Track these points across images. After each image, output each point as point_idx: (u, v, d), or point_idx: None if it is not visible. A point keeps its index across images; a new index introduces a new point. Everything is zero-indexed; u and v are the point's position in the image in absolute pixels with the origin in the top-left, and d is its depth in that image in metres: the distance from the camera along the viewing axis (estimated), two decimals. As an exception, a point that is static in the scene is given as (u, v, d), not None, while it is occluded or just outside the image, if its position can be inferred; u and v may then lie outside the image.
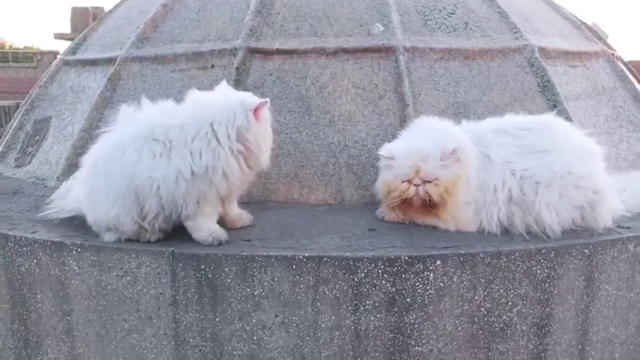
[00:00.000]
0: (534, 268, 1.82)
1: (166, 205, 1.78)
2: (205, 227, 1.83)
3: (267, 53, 2.57)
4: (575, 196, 1.91)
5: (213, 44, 2.69)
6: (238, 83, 2.50)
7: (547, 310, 1.86)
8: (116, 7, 3.59)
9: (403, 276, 1.75)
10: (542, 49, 2.73)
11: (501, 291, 1.81)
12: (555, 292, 1.86)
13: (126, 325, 1.88)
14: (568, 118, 2.42)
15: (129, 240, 1.86)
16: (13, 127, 3.28)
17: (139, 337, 1.88)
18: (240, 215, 1.99)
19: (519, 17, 2.92)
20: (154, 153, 1.76)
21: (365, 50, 2.54)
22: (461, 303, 1.79)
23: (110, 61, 2.94)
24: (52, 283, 1.93)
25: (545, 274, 1.83)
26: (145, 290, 1.83)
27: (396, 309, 1.77)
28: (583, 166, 1.93)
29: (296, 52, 2.55)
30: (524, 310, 1.83)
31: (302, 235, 1.91)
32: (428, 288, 1.76)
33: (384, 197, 2.02)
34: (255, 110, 1.75)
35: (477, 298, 1.80)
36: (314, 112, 2.42)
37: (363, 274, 1.74)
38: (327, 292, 1.76)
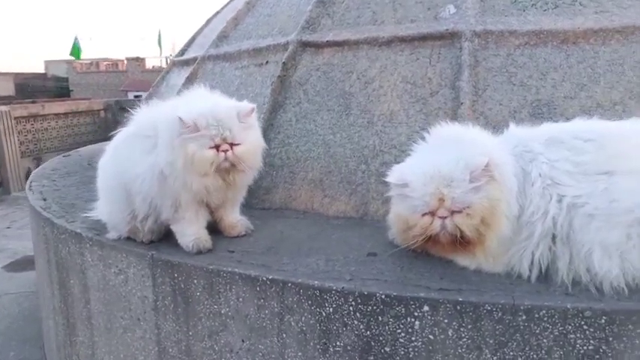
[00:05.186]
0: (571, 336, 1.27)
1: (151, 205, 1.72)
2: (188, 232, 1.72)
3: (317, 46, 2.35)
4: None
5: (271, 39, 2.57)
6: (283, 80, 2.33)
7: (597, 398, 1.29)
8: (223, 7, 3.73)
9: (380, 319, 1.39)
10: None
11: (520, 359, 1.31)
12: (611, 375, 1.28)
13: (123, 322, 1.89)
14: None
15: (129, 239, 1.85)
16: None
17: (132, 336, 1.87)
18: (236, 223, 1.83)
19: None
20: (142, 149, 1.71)
21: (424, 38, 2.13)
22: (460, 366, 1.35)
23: (194, 60, 3.05)
24: (77, 272, 2.05)
25: (590, 347, 1.27)
26: (134, 291, 1.81)
27: (372, 358, 1.42)
28: None
29: (347, 43, 2.27)
30: (557, 393, 1.30)
31: (289, 253, 1.67)
32: (413, 339, 1.37)
33: (399, 234, 1.60)
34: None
35: (482, 363, 1.34)
36: (353, 112, 2.12)
37: (331, 309, 1.43)
38: (292, 324, 1.50)
